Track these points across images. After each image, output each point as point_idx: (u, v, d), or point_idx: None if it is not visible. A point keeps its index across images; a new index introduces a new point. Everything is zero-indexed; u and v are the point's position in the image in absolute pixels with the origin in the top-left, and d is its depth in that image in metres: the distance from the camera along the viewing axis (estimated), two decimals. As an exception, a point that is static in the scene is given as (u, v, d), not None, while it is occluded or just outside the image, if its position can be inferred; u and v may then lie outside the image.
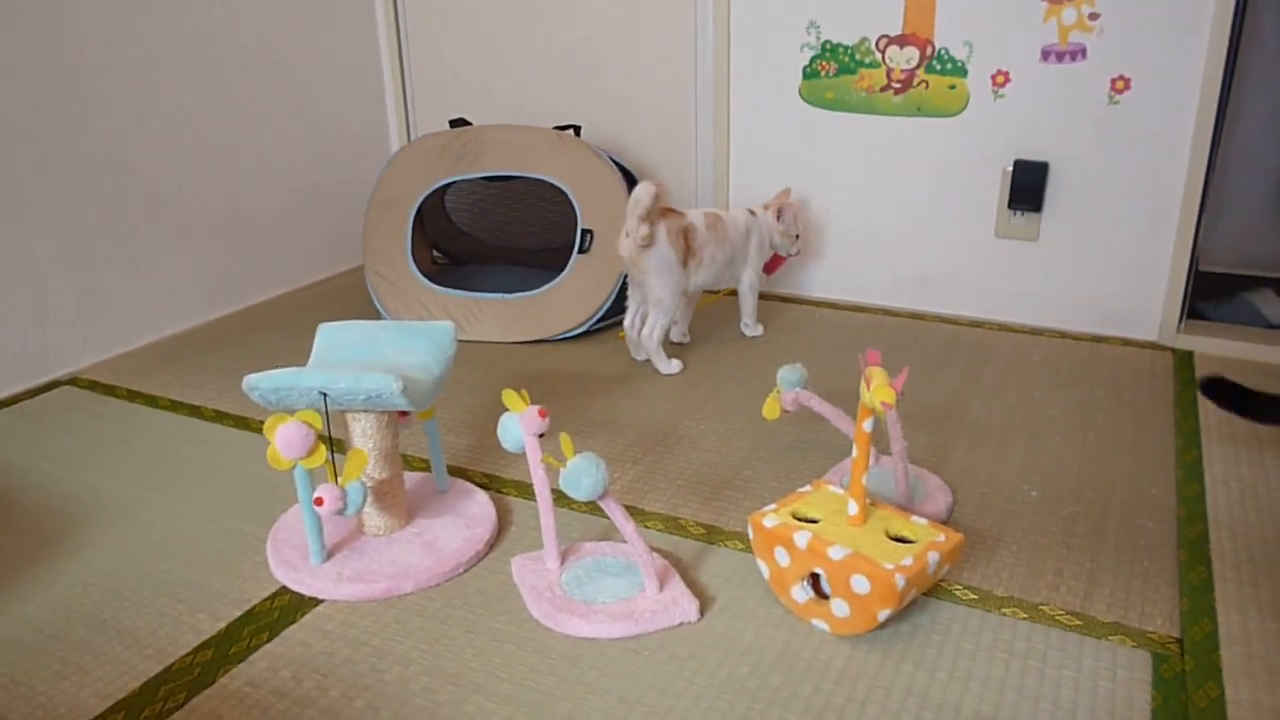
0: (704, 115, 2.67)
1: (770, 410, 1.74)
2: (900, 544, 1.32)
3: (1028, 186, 2.37)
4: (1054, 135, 2.33)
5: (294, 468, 1.39)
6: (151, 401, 2.14)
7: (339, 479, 1.39)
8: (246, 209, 2.69)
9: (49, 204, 2.22)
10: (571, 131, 2.53)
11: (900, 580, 1.23)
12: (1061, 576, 1.46)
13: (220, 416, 2.05)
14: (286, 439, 1.37)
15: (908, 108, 2.45)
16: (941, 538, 1.33)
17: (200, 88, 2.51)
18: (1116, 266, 2.36)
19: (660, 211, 2.12)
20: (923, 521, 1.37)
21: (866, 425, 1.34)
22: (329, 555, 1.49)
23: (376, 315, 2.56)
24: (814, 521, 1.38)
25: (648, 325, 2.18)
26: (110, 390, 2.20)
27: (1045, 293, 2.45)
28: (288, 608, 1.42)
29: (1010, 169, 2.38)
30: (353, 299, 2.77)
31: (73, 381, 2.25)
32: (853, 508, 1.35)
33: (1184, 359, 2.26)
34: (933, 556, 1.29)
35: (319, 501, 1.36)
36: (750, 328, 2.43)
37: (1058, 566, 1.49)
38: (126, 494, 1.74)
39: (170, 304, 2.53)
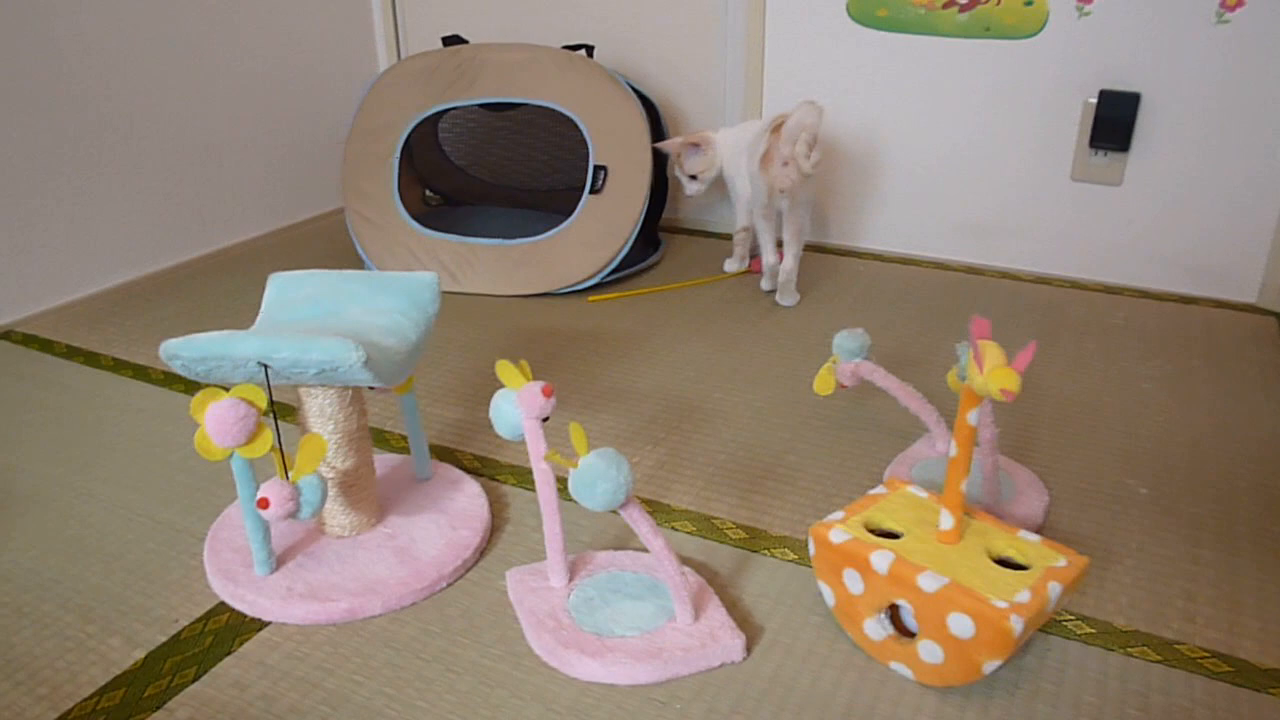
0: (734, 35, 2.32)
1: (823, 384, 1.44)
2: (1008, 569, 1.02)
3: (1114, 121, 2.03)
4: (1148, 61, 1.98)
5: (230, 457, 1.09)
6: (92, 360, 1.83)
7: (289, 472, 1.09)
8: (211, 139, 2.36)
9: (-30, 127, 1.89)
10: (583, 52, 2.19)
11: (1017, 625, 0.93)
12: (1195, 602, 1.17)
13: (170, 380, 1.74)
14: (219, 421, 1.06)
15: (974, 27, 2.10)
16: (1062, 562, 1.03)
17: (156, 1, 2.17)
18: (1213, 217, 2.03)
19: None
20: (1033, 538, 1.06)
21: (971, 416, 1.03)
22: (278, 563, 1.20)
23: (359, 263, 2.25)
24: (893, 536, 1.08)
25: (791, 256, 2.01)
26: (47, 346, 1.90)
27: (1127, 245, 2.12)
28: (223, 632, 1.12)
29: (1094, 101, 2.04)
30: (333, 243, 2.45)
31: (6, 335, 1.95)
32: (946, 520, 1.05)
33: (1290, 324, 1.95)
34: (1054, 589, 0.99)
35: (263, 503, 1.06)
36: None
37: (1188, 589, 1.19)
38: (43, 475, 1.45)
39: (123, 247, 2.20)
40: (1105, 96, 2.03)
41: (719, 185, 2.20)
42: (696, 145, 2.09)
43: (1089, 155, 2.09)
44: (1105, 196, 2.11)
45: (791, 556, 1.24)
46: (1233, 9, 1.89)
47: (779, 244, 2.04)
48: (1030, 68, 2.08)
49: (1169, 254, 2.09)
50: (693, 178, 2.12)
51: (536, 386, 1.10)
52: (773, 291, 2.09)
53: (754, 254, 2.20)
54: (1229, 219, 2.01)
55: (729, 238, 2.44)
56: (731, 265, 2.23)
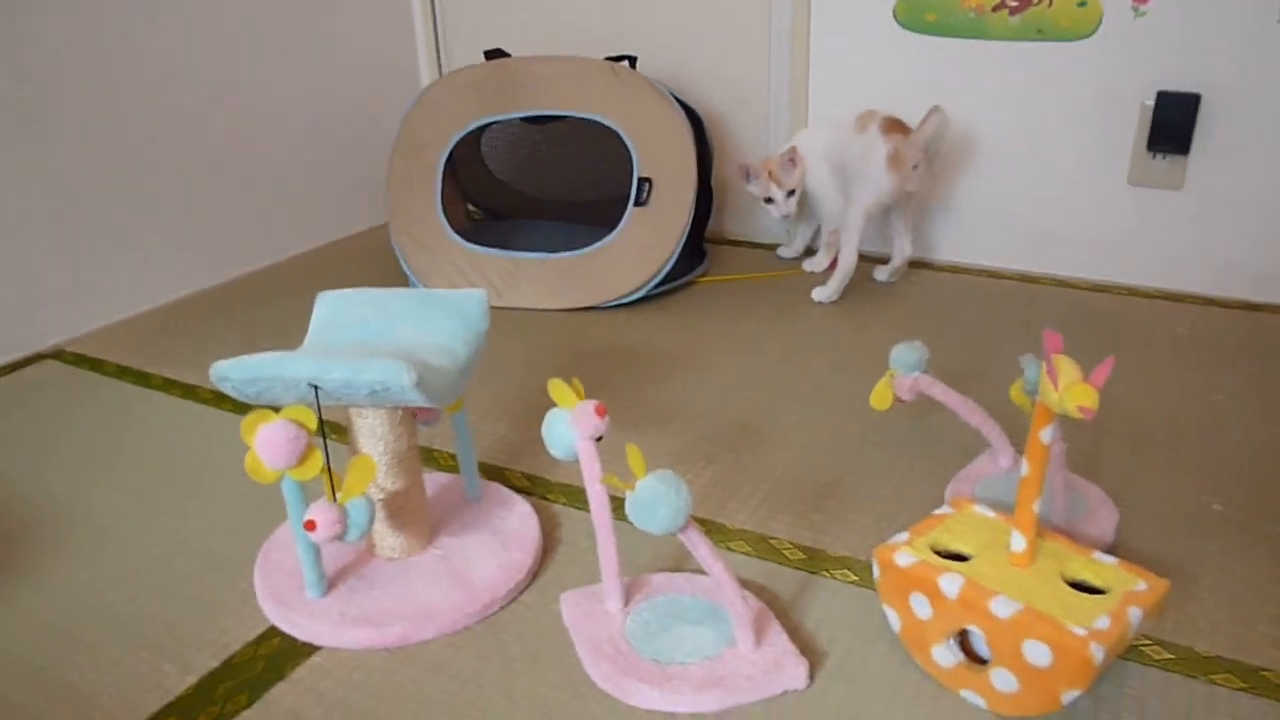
0: (779, 42, 2.29)
1: (880, 399, 1.40)
2: (1084, 593, 0.98)
3: (1173, 124, 1.97)
4: (1208, 62, 1.92)
5: (280, 480, 1.08)
6: (142, 379, 1.84)
7: (338, 494, 1.07)
8: (256, 156, 2.37)
9: (33, 148, 1.91)
10: (626, 63, 2.17)
11: (1098, 654, 0.89)
12: (1280, 626, 1.11)
13: (220, 399, 1.74)
14: (270, 443, 1.05)
15: (1026, 30, 2.05)
16: (1142, 585, 0.98)
17: (204, 18, 2.18)
18: (1277, 221, 1.96)
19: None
20: (1109, 560, 1.02)
21: (1044, 434, 0.98)
22: (330, 586, 1.18)
23: (404, 279, 2.24)
24: (962, 559, 1.04)
25: (910, 243, 2.13)
26: (97, 365, 1.91)
27: (1189, 251, 2.06)
28: (276, 657, 1.11)
29: (1151, 103, 1.98)
30: (379, 259, 2.45)
31: (58, 355, 1.96)
32: (1019, 541, 1.01)
33: (1364, 331, 1.87)
34: (1134, 614, 0.94)
35: (310, 526, 1.05)
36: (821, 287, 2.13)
37: (1272, 612, 1.13)
38: (95, 499, 1.44)
39: (173, 265, 2.22)
40: (1163, 98, 1.97)
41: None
42: (792, 160, 2.11)
43: (1147, 159, 2.03)
44: (1165, 201, 2.04)
45: (853, 579, 1.20)
46: (1298, 6, 1.83)
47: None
48: (1085, 70, 2.03)
49: (1234, 260, 2.02)
50: (790, 193, 2.13)
51: (590, 405, 1.07)
52: (822, 303, 2.08)
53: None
54: (1297, 222, 1.95)
55: (773, 247, 2.41)
56: (814, 264, 2.27)
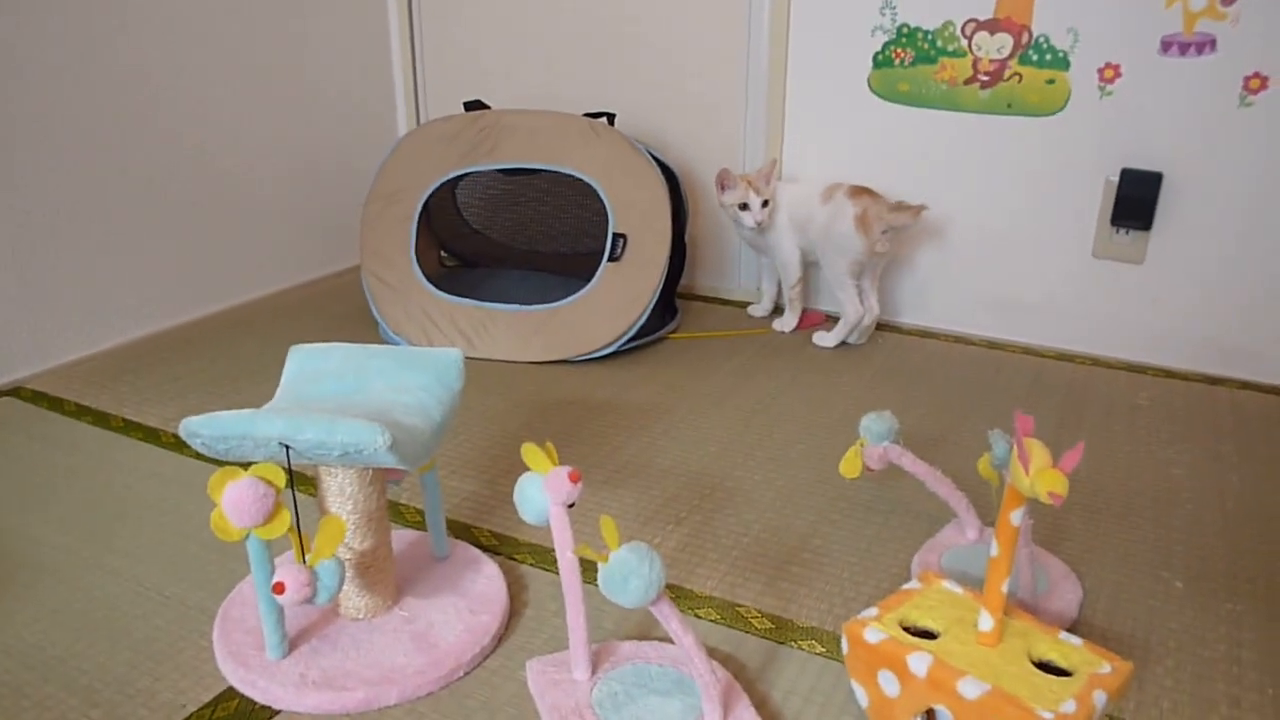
0: (756, 106, 2.33)
1: (850, 467, 1.41)
2: (1051, 674, 0.98)
3: (1136, 200, 2.02)
4: (1171, 141, 1.98)
5: (246, 538, 1.06)
6: (101, 420, 1.81)
7: (307, 556, 1.06)
8: (231, 195, 2.36)
9: (-8, 184, 1.89)
10: (604, 120, 2.20)
11: (1065, 737, 0.90)
12: (1239, 708, 1.12)
13: (181, 444, 1.71)
14: (237, 501, 1.03)
15: (996, 104, 2.11)
16: (1106, 668, 0.99)
17: (179, 54, 2.18)
18: (1237, 296, 2.01)
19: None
20: (1075, 641, 1.03)
21: (1014, 517, 1.00)
22: (291, 646, 1.16)
23: (373, 323, 2.23)
24: (930, 636, 1.04)
25: (877, 301, 2.18)
26: (57, 404, 1.87)
27: (1150, 324, 2.10)
28: (233, 720, 1.08)
29: (1115, 179, 2.04)
30: (349, 303, 2.44)
31: (15, 392, 1.93)
32: (986, 621, 1.02)
33: (1317, 408, 1.92)
34: (1099, 698, 0.95)
35: (279, 588, 1.03)
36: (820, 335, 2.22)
37: (1232, 693, 1.15)
38: (50, 542, 1.41)
39: (139, 302, 2.19)
40: (1127, 175, 2.02)
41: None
42: (768, 175, 2.16)
43: (1112, 233, 2.08)
44: (1128, 275, 2.09)
45: (820, 650, 1.20)
46: (1256, 92, 1.90)
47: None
48: (1052, 145, 2.08)
49: (1193, 333, 2.07)
50: (765, 203, 2.15)
51: (564, 472, 1.07)
52: (822, 348, 2.19)
53: (804, 308, 2.31)
54: (1254, 299, 2.00)
55: (744, 304, 2.44)
56: (783, 324, 2.28)
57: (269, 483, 1.05)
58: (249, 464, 1.06)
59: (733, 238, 2.46)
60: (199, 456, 1.67)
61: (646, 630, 1.23)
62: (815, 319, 2.30)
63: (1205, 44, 1.91)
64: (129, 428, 1.78)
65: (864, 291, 2.16)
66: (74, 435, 1.75)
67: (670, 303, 2.36)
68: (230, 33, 2.27)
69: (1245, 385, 2.02)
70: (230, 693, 1.12)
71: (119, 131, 2.08)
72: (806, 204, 2.14)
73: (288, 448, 1.04)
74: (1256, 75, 1.89)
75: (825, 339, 2.18)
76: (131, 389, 1.94)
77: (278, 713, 1.09)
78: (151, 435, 1.75)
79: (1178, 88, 1.95)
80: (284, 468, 1.06)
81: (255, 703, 1.11)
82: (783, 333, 2.27)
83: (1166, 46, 1.94)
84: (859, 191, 2.08)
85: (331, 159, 2.60)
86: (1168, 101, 1.97)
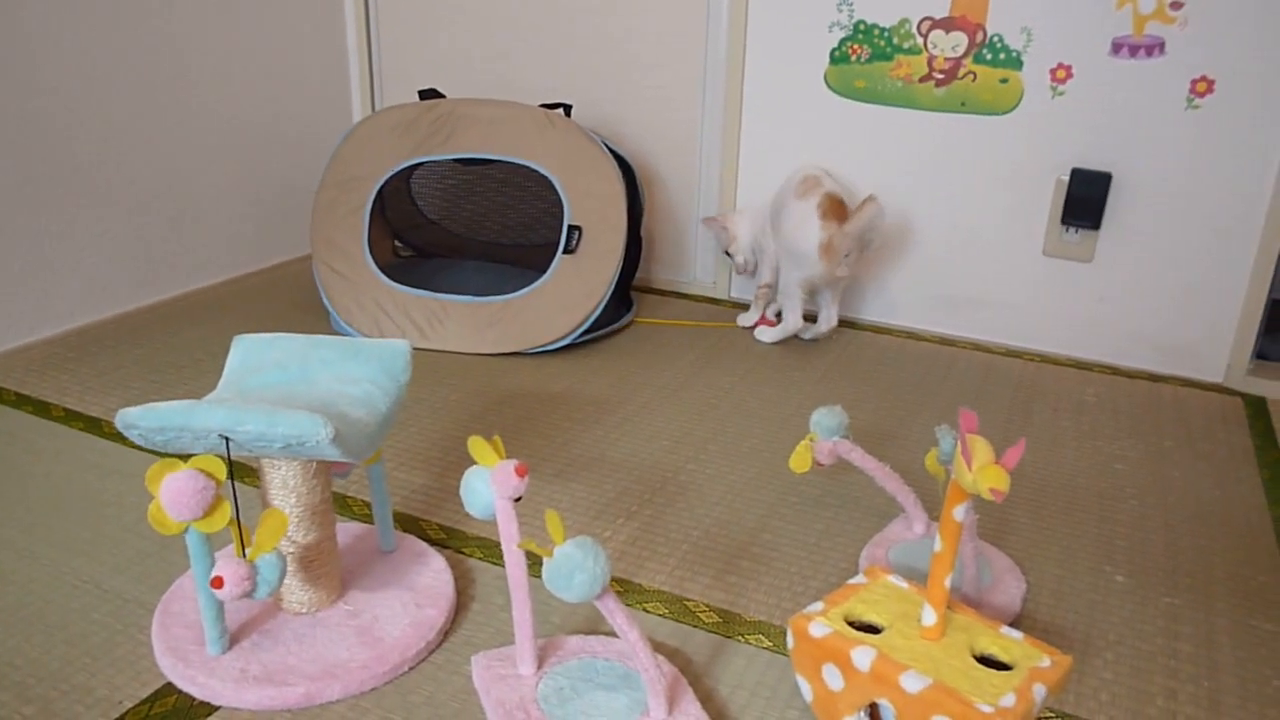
0: (713, 99, 2.33)
1: (800, 462, 1.41)
2: (992, 668, 0.99)
3: (1086, 199, 2.05)
4: (1120, 142, 2.01)
5: (185, 531, 1.04)
6: (42, 410, 1.76)
7: (247, 549, 1.04)
8: (180, 181, 2.31)
9: (-73, 165, 1.83)
10: (561, 111, 2.18)
11: (1003, 731, 0.91)
12: (1176, 700, 1.15)
13: (123, 435, 1.67)
14: (175, 494, 1.02)
15: (951, 101, 2.12)
16: (1046, 661, 1.00)
17: (127, 37, 2.13)
18: (1181, 296, 2.05)
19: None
20: (1016, 635, 1.04)
21: (958, 512, 1.00)
22: (233, 641, 1.14)
23: (324, 314, 2.20)
24: (875, 630, 1.05)
25: (835, 315, 2.18)
26: (-6, 393, 1.83)
27: (1097, 322, 2.13)
28: (170, 716, 1.06)
29: (1066, 178, 2.07)
30: (298, 292, 2.40)
31: (-48, 380, 1.88)
32: (929, 616, 1.02)
33: (1257, 406, 1.96)
34: (1039, 691, 0.96)
35: (217, 583, 1.01)
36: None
37: (1168, 686, 1.17)
38: (-15, 537, 1.38)
39: (83, 288, 2.14)
40: (1077, 175, 2.05)
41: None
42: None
43: (1061, 231, 2.10)
44: (1076, 273, 2.12)
45: (767, 644, 1.21)
46: (1203, 95, 1.93)
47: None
48: (1004, 144, 2.10)
49: (1138, 332, 2.10)
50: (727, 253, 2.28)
51: (510, 465, 1.06)
52: (762, 342, 2.20)
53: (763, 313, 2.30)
54: (1196, 299, 2.04)
55: (701, 300, 2.44)
56: (745, 319, 2.29)
57: (209, 475, 1.03)
58: (189, 456, 1.04)
59: (689, 230, 2.46)
60: (142, 448, 1.63)
61: (594, 625, 1.23)
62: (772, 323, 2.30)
63: (1154, 46, 1.94)
64: (70, 417, 1.74)
65: (824, 303, 2.16)
66: (12, 425, 1.71)
67: (626, 295, 2.36)
68: (179, 14, 2.22)
69: (1187, 383, 2.06)
70: (168, 688, 1.10)
71: (60, 114, 2.03)
72: (779, 200, 2.15)
73: (228, 440, 1.02)
74: (1203, 79, 1.92)
75: (767, 334, 2.18)
76: (73, 378, 1.90)
77: (217, 709, 1.08)
78: (93, 425, 1.71)
79: (1127, 89, 1.98)
80: (224, 459, 1.04)
81: (194, 699, 1.09)
82: (745, 327, 2.27)
83: (1117, 48, 1.97)
84: (831, 211, 2.03)
85: (284, 145, 2.56)
86: (1119, 103, 1.99)
